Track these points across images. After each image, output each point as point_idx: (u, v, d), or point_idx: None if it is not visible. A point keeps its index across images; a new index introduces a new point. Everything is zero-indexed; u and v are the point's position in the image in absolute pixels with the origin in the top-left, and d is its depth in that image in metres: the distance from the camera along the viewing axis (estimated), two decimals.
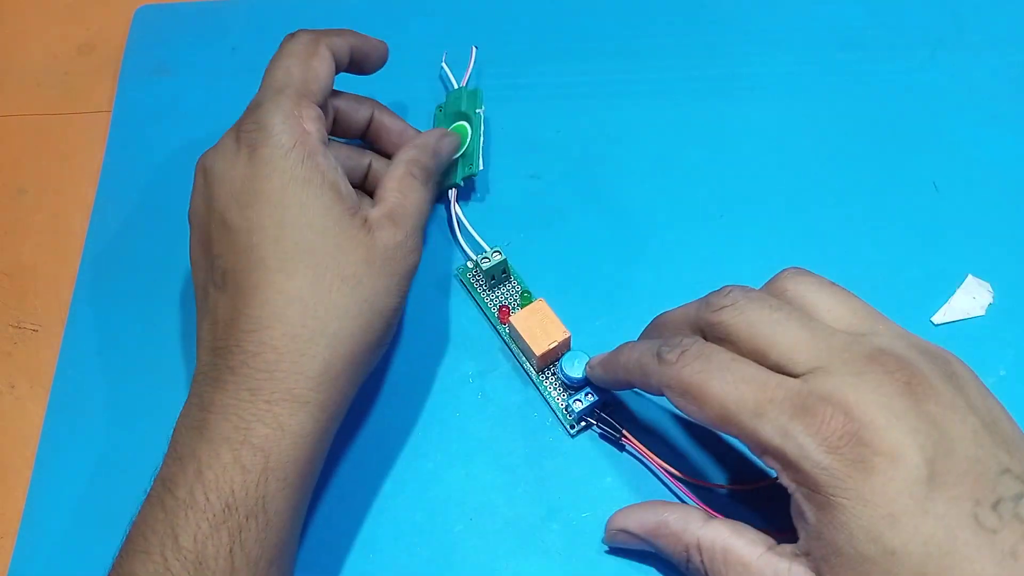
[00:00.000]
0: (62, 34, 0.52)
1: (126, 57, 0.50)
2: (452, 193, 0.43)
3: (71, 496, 0.39)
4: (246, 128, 0.34)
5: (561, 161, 0.45)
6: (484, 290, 0.41)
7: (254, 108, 0.35)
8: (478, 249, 0.41)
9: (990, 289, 0.40)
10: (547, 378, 0.39)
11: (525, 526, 0.37)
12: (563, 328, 0.38)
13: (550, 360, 0.39)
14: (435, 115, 0.46)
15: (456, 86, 0.45)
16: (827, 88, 0.45)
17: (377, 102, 0.42)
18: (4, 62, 0.52)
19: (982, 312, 0.39)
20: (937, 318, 0.39)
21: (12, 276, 0.45)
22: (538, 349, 0.38)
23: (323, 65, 0.37)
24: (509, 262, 0.41)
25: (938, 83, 0.45)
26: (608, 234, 0.43)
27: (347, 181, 0.36)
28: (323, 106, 0.37)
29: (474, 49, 0.46)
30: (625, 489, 0.37)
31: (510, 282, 0.41)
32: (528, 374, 0.39)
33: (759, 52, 0.47)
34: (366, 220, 0.35)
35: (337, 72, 0.38)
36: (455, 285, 0.42)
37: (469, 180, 0.43)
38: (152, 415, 0.41)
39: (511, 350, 0.40)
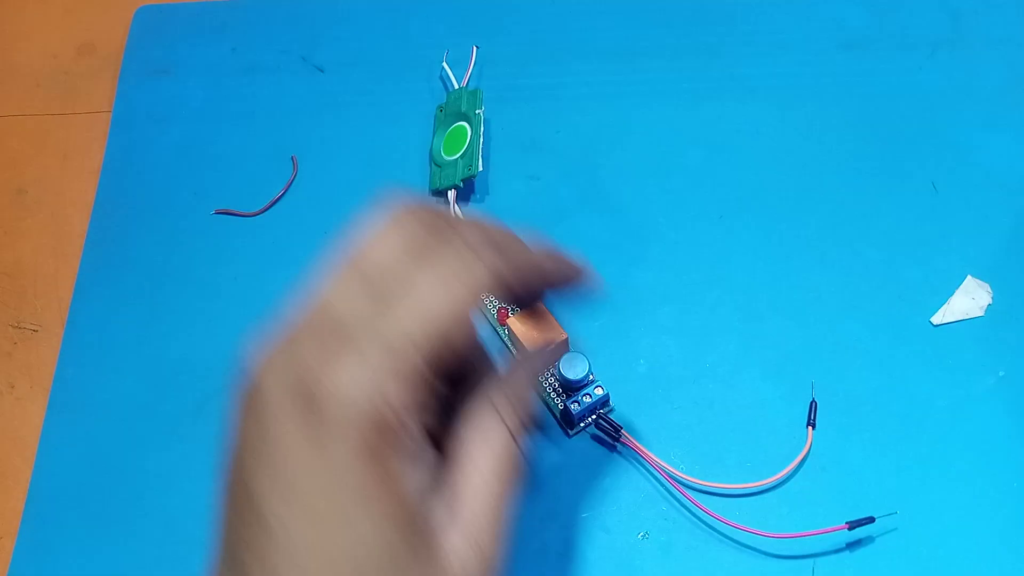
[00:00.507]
0: (62, 34, 0.52)
1: (126, 57, 0.50)
2: (451, 194, 0.43)
3: (71, 496, 0.39)
4: (310, 362, 0.24)
5: (561, 161, 0.45)
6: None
7: (338, 325, 0.24)
8: None
9: (989, 290, 0.40)
10: (545, 379, 0.39)
11: (525, 526, 0.37)
12: (560, 329, 0.38)
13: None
14: (436, 115, 0.46)
15: (456, 86, 0.45)
16: (827, 88, 0.45)
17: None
18: (4, 62, 0.52)
19: (981, 313, 0.39)
20: (936, 319, 0.39)
21: (12, 276, 0.45)
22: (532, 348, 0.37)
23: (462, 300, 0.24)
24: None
25: (938, 83, 0.45)
26: (608, 234, 0.43)
27: (426, 490, 0.24)
28: (435, 361, 0.24)
29: (475, 49, 0.46)
30: (623, 489, 0.37)
31: None
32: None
33: (759, 52, 0.47)
34: (435, 545, 0.24)
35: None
36: None
37: (469, 181, 0.43)
38: (152, 415, 0.41)
39: (510, 351, 0.40)
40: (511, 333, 0.39)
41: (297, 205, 0.45)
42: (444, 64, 0.46)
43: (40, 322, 0.44)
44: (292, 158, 0.46)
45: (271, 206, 0.45)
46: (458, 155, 0.43)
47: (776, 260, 0.41)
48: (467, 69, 0.46)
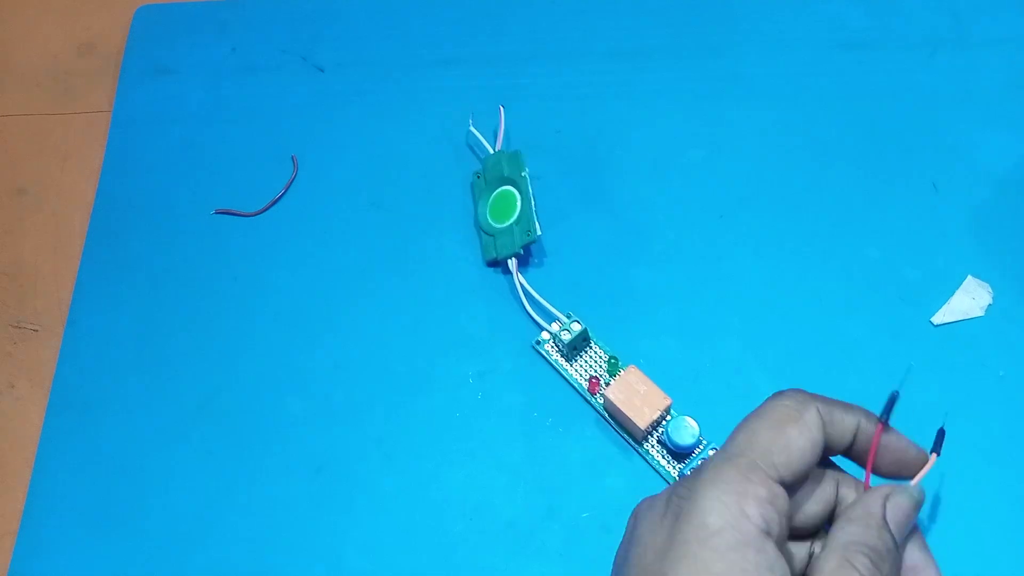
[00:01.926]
0: (62, 34, 0.52)
1: (126, 57, 0.50)
2: (513, 263, 0.40)
3: (71, 496, 0.39)
4: (679, 492, 0.28)
5: (561, 161, 0.45)
6: (564, 360, 0.39)
7: (698, 471, 0.28)
8: (549, 318, 0.39)
9: (989, 290, 0.40)
10: (652, 446, 0.37)
11: (525, 526, 0.37)
12: (663, 395, 0.36)
13: (652, 427, 0.37)
14: (474, 183, 0.44)
15: (491, 151, 0.43)
16: (827, 88, 0.45)
17: (864, 410, 0.31)
18: (4, 62, 0.52)
19: (981, 313, 0.39)
20: (936, 319, 0.39)
21: (12, 276, 0.45)
22: (641, 422, 0.36)
23: (802, 435, 0.29)
24: (590, 331, 0.39)
25: (938, 83, 0.45)
26: (608, 234, 0.43)
27: None
28: (791, 485, 0.28)
29: (502, 108, 0.44)
30: (625, 490, 0.37)
31: (591, 349, 0.39)
32: (628, 443, 0.38)
33: (759, 52, 0.47)
34: None
35: (832, 454, 0.30)
36: (531, 356, 0.40)
37: (528, 246, 0.41)
38: (152, 415, 0.41)
39: (607, 421, 0.38)
40: (609, 404, 0.37)
41: (297, 205, 0.45)
42: (471, 128, 0.44)
43: (40, 322, 0.44)
44: (292, 158, 0.46)
45: (271, 206, 0.45)
46: (511, 221, 0.41)
47: (776, 260, 0.41)
48: (499, 131, 0.44)
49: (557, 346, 0.39)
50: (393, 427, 0.39)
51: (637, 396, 0.36)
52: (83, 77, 0.51)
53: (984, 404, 0.37)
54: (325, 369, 0.41)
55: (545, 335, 0.40)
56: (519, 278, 0.40)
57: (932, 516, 0.35)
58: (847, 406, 0.30)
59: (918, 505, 0.29)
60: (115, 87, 0.50)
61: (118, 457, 0.40)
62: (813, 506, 0.30)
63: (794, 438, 0.28)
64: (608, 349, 0.39)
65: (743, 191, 0.43)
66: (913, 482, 0.29)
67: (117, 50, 0.51)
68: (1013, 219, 0.42)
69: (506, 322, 0.41)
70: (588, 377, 0.39)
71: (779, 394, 0.30)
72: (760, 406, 0.30)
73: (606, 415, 0.38)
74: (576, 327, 0.38)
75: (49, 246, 0.46)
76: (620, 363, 0.39)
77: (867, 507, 0.29)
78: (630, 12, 0.49)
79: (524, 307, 0.40)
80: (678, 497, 0.28)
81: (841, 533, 0.28)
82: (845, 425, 0.30)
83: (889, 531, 0.28)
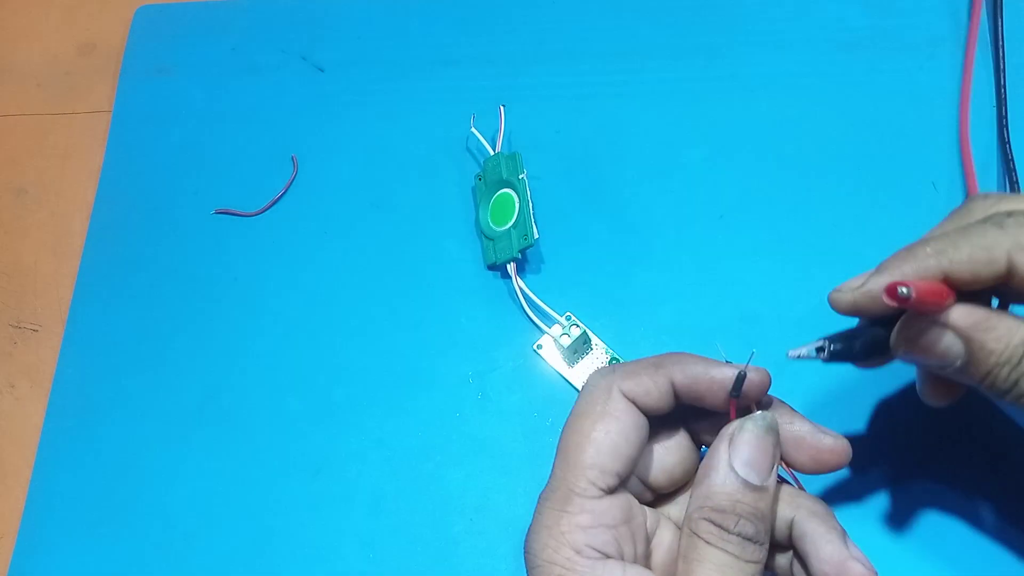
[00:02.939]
0: (62, 34, 0.52)
1: (126, 57, 0.50)
2: (512, 268, 0.40)
3: (71, 496, 0.39)
4: (525, 547, 0.28)
5: (561, 161, 0.45)
6: (566, 363, 0.39)
7: (533, 520, 0.29)
8: (550, 321, 0.39)
9: None
10: None
11: (525, 526, 0.37)
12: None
13: None
14: (475, 186, 0.44)
15: (492, 152, 0.43)
16: (827, 88, 0.45)
17: (672, 357, 0.29)
18: (4, 62, 0.52)
19: None
20: None
21: (12, 276, 0.45)
22: None
23: (609, 432, 0.28)
24: (590, 331, 0.39)
25: (938, 83, 0.45)
26: (608, 234, 0.43)
27: None
28: (626, 479, 0.28)
29: (502, 109, 0.44)
30: None
31: (593, 350, 0.40)
32: None
33: (759, 52, 0.47)
34: None
35: (662, 411, 0.29)
36: (531, 357, 0.40)
37: (525, 251, 0.41)
38: (152, 415, 0.41)
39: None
40: None
41: (297, 205, 0.45)
42: (472, 129, 0.44)
43: (40, 322, 0.44)
44: (292, 158, 0.46)
45: (271, 206, 0.45)
46: (509, 225, 0.41)
47: (776, 260, 0.41)
48: (499, 132, 0.44)
49: (558, 349, 0.39)
50: (393, 427, 0.39)
51: None
52: (83, 77, 0.51)
53: (984, 404, 0.37)
54: (325, 369, 0.41)
55: (545, 339, 0.40)
56: (518, 283, 0.40)
57: (932, 516, 0.35)
58: (654, 365, 0.29)
59: (770, 430, 0.28)
60: (115, 87, 0.50)
61: (118, 457, 0.40)
62: (678, 470, 0.30)
63: (602, 439, 0.28)
64: (609, 349, 0.39)
65: (743, 191, 0.43)
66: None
67: (117, 50, 0.51)
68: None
69: (506, 324, 0.41)
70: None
71: (585, 384, 0.29)
72: (576, 401, 0.29)
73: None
74: (575, 331, 0.38)
75: (49, 246, 0.46)
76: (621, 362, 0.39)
77: (708, 461, 0.28)
78: (630, 12, 0.49)
79: (524, 310, 0.40)
80: (525, 552, 0.28)
81: (690, 501, 0.27)
82: (661, 388, 0.29)
83: (736, 475, 0.27)
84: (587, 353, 0.39)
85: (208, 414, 0.40)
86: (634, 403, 0.28)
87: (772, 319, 0.40)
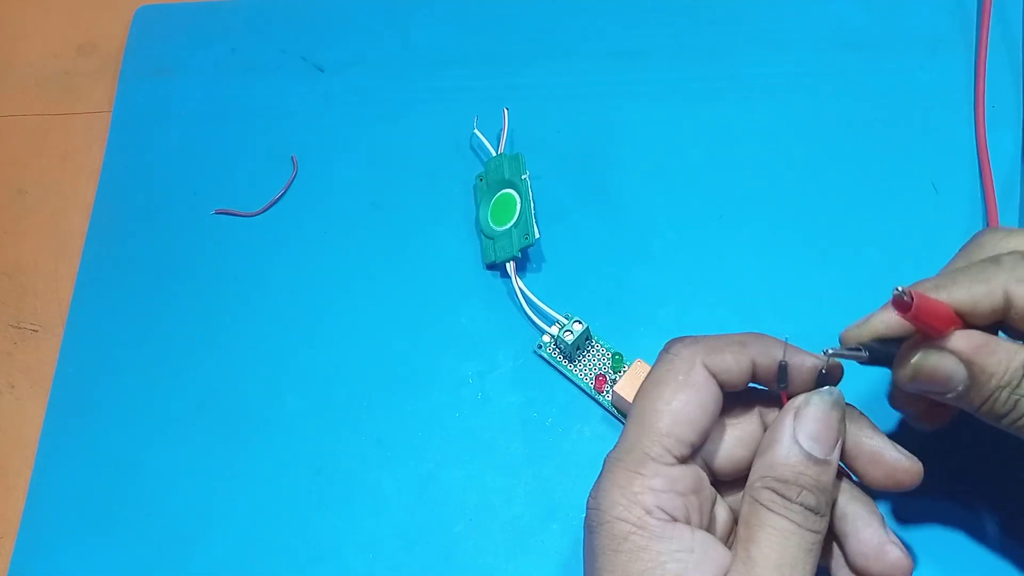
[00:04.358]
0: (62, 34, 0.52)
1: (126, 57, 0.50)
2: (511, 267, 0.40)
3: (71, 496, 0.39)
4: (589, 504, 0.29)
5: (561, 161, 0.45)
6: (567, 361, 0.39)
7: (600, 477, 0.29)
8: (550, 321, 0.39)
9: None
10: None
11: (525, 526, 0.37)
12: None
13: None
14: (477, 186, 0.44)
15: (494, 153, 0.43)
16: (827, 88, 0.45)
17: (757, 338, 0.30)
18: (4, 62, 0.52)
19: None
20: None
21: (12, 276, 0.45)
22: None
23: (689, 401, 0.28)
24: (591, 328, 0.39)
25: (938, 83, 0.45)
26: (608, 234, 0.43)
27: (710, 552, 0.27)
28: (698, 448, 0.29)
29: (506, 111, 0.44)
30: None
31: (593, 347, 0.39)
32: None
33: (759, 52, 0.47)
34: None
35: (735, 388, 0.30)
36: (531, 357, 0.40)
37: (526, 250, 0.41)
38: (152, 415, 0.41)
39: (616, 418, 0.38)
40: (618, 400, 0.37)
41: (297, 205, 0.45)
42: (476, 130, 0.44)
43: (40, 322, 0.44)
44: (292, 158, 0.46)
45: (271, 206, 0.45)
46: (510, 224, 0.41)
47: (776, 260, 0.41)
48: (502, 133, 0.44)
49: (559, 348, 0.39)
50: (393, 427, 0.39)
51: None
52: (83, 77, 0.51)
53: None
54: (325, 369, 0.41)
55: (546, 338, 0.40)
56: (518, 282, 0.40)
57: (932, 517, 0.35)
58: (740, 343, 0.30)
59: (836, 406, 0.28)
60: (115, 87, 0.50)
61: (118, 457, 0.40)
62: (739, 451, 0.30)
63: (680, 408, 0.28)
64: (610, 347, 0.39)
65: (743, 191, 0.43)
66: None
67: (117, 50, 0.51)
68: (1012, 220, 0.42)
69: (506, 324, 0.41)
70: (594, 375, 0.39)
71: (666, 350, 0.30)
72: (653, 367, 0.30)
73: (615, 411, 0.38)
74: (578, 327, 0.38)
75: (49, 246, 0.46)
76: (624, 358, 0.39)
77: (773, 433, 0.28)
78: (630, 12, 0.49)
79: (524, 310, 0.40)
80: (590, 508, 0.28)
81: (752, 470, 0.28)
82: (742, 367, 0.29)
83: (801, 448, 0.27)
84: (588, 350, 0.39)
85: (208, 414, 0.40)
86: (715, 377, 0.29)
87: (772, 319, 0.40)
